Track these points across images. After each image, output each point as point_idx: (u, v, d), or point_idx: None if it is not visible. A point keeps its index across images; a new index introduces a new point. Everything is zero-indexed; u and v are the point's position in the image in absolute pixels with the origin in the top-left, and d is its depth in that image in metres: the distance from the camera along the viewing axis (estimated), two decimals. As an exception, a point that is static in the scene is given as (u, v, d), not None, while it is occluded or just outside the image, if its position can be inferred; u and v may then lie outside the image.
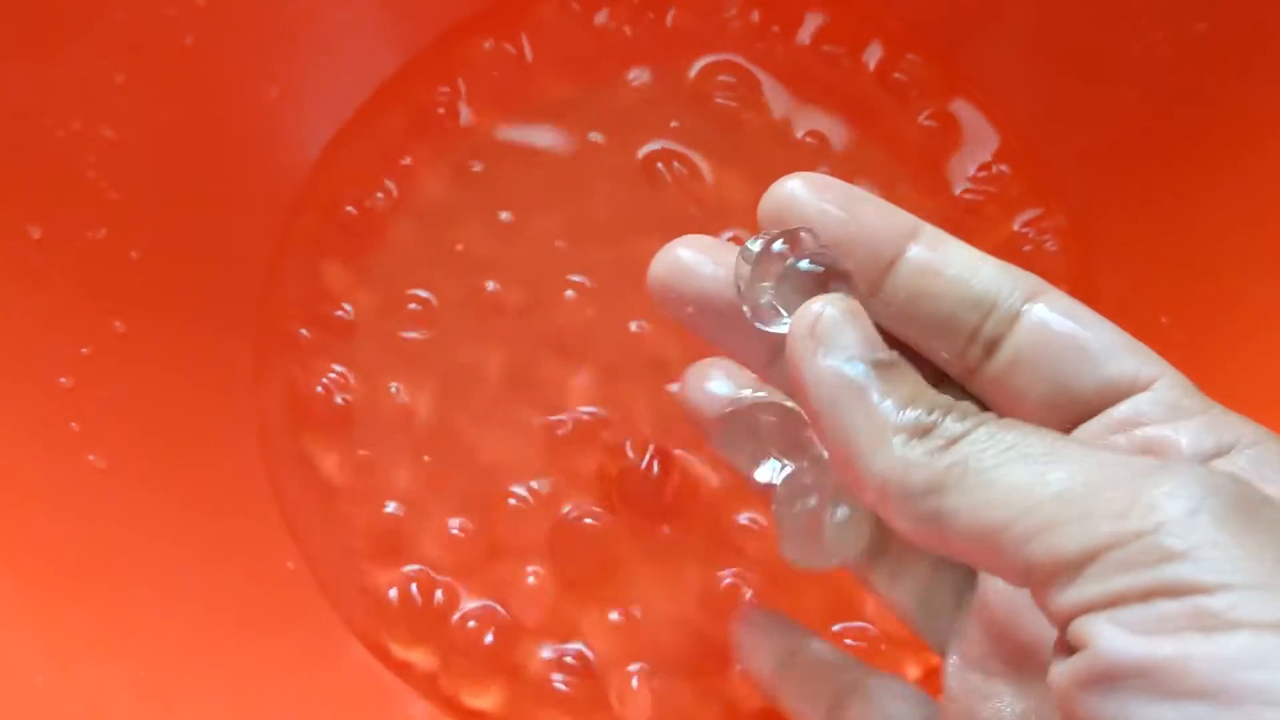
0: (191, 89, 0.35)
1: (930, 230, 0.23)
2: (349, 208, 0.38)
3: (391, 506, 0.35)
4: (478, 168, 0.38)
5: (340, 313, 0.37)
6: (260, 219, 0.37)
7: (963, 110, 0.39)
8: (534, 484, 0.35)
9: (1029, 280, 0.22)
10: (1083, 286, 0.36)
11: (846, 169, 0.38)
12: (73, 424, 0.32)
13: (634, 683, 0.33)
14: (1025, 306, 0.21)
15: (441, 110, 0.39)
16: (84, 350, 0.33)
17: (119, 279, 0.34)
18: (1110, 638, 0.16)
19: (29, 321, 0.32)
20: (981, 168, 0.38)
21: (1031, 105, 0.38)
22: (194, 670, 0.31)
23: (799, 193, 0.23)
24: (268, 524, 0.35)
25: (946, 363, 0.23)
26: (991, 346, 0.22)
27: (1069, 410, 0.21)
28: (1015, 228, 0.38)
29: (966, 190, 0.38)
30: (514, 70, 0.39)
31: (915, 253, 0.22)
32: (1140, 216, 0.36)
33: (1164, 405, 0.21)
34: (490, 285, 0.37)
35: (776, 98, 0.39)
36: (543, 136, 0.39)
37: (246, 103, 0.37)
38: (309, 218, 0.38)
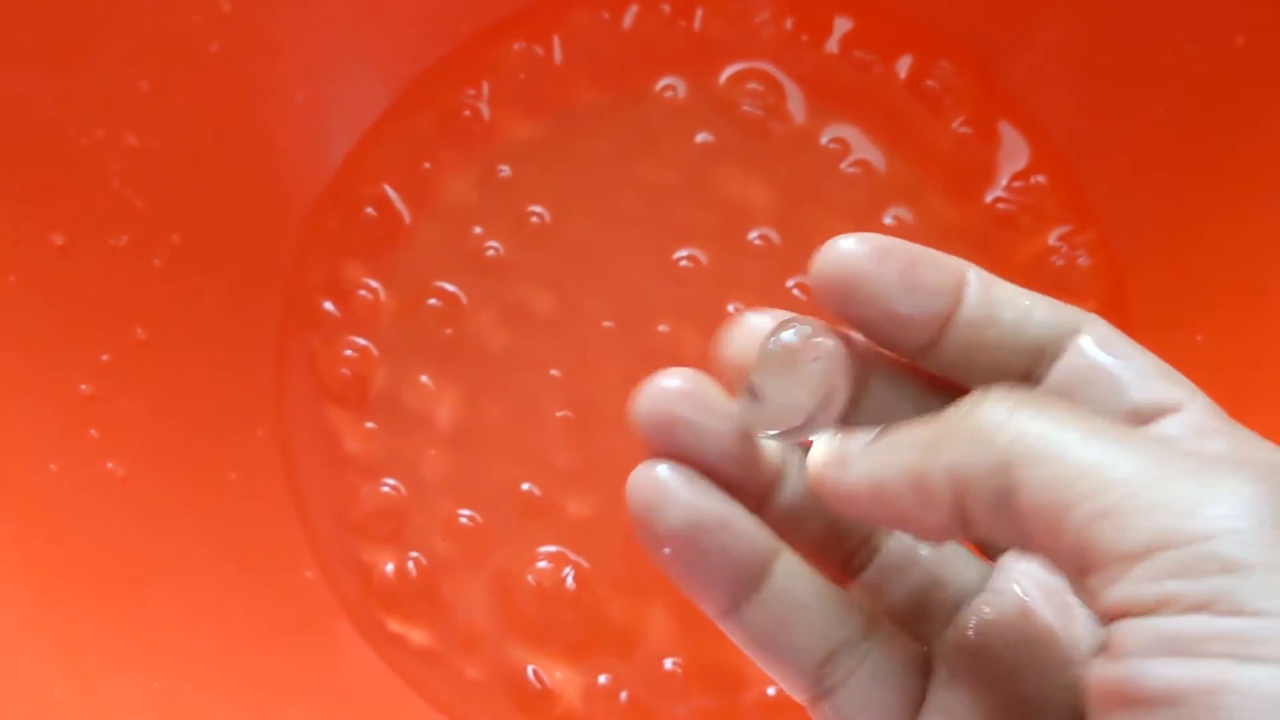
0: (216, 96, 0.35)
1: (978, 277, 0.22)
2: (370, 209, 0.38)
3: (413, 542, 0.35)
4: (505, 171, 0.38)
5: (364, 320, 0.37)
6: (283, 226, 0.37)
7: (996, 121, 0.38)
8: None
9: (1073, 315, 0.21)
10: (1115, 302, 0.36)
11: (876, 178, 0.37)
12: (92, 431, 0.32)
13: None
14: (1068, 342, 0.21)
15: (467, 113, 0.39)
16: (104, 358, 0.33)
17: (141, 286, 0.34)
18: (1147, 654, 0.15)
19: (50, 328, 0.32)
20: (1015, 178, 0.38)
21: (1065, 117, 0.38)
22: (211, 682, 0.31)
23: (855, 256, 0.21)
24: (287, 534, 0.35)
25: None
26: (1036, 382, 0.21)
27: None
28: (1049, 241, 0.37)
29: (999, 200, 0.38)
30: (543, 73, 0.39)
31: (968, 307, 0.21)
32: (1174, 232, 0.36)
33: (1190, 428, 0.20)
34: (517, 288, 0.37)
35: (803, 105, 0.38)
36: (570, 139, 0.38)
37: (271, 109, 0.37)
38: (331, 223, 0.38)
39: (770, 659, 0.22)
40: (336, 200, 0.38)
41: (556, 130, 0.39)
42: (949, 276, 0.22)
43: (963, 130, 0.38)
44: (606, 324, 0.37)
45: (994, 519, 0.18)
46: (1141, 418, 0.20)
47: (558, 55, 0.39)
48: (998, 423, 0.18)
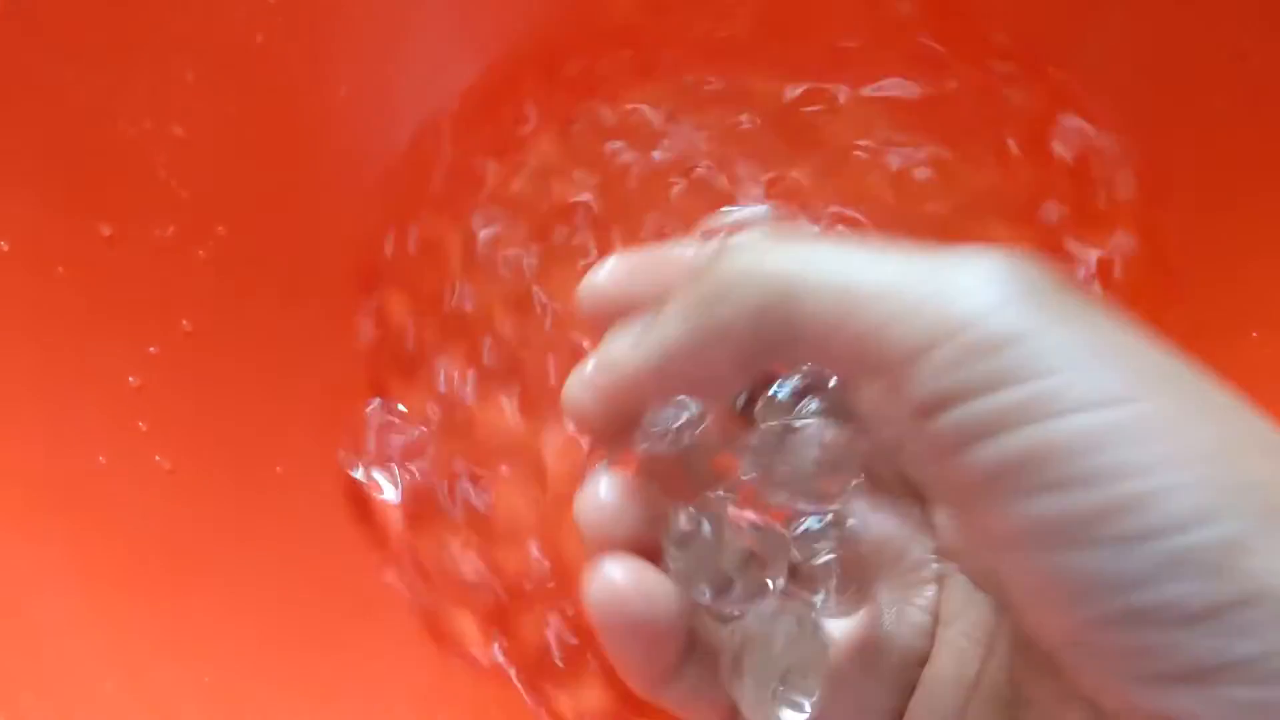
0: (261, 88, 0.35)
1: None
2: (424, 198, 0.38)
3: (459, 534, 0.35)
4: (552, 172, 0.38)
5: (411, 310, 0.37)
6: (329, 218, 0.37)
7: (1054, 126, 0.38)
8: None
9: None
10: (1169, 301, 0.35)
11: (926, 183, 0.37)
12: (141, 424, 0.32)
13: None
14: None
15: (515, 112, 0.38)
16: (152, 349, 0.33)
17: (187, 278, 0.34)
18: (962, 445, 0.17)
19: (98, 320, 0.32)
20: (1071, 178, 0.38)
21: (1124, 115, 0.37)
22: (261, 674, 0.30)
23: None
24: (334, 526, 0.35)
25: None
26: None
27: None
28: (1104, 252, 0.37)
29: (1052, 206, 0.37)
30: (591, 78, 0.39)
31: None
32: (1228, 229, 0.35)
33: None
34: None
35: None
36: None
37: (316, 101, 0.37)
38: (381, 214, 0.38)
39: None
40: (386, 190, 0.38)
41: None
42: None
43: (1017, 138, 0.38)
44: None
45: (773, 352, 0.19)
46: None
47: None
48: (759, 267, 0.19)
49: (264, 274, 0.35)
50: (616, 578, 0.21)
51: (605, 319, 0.23)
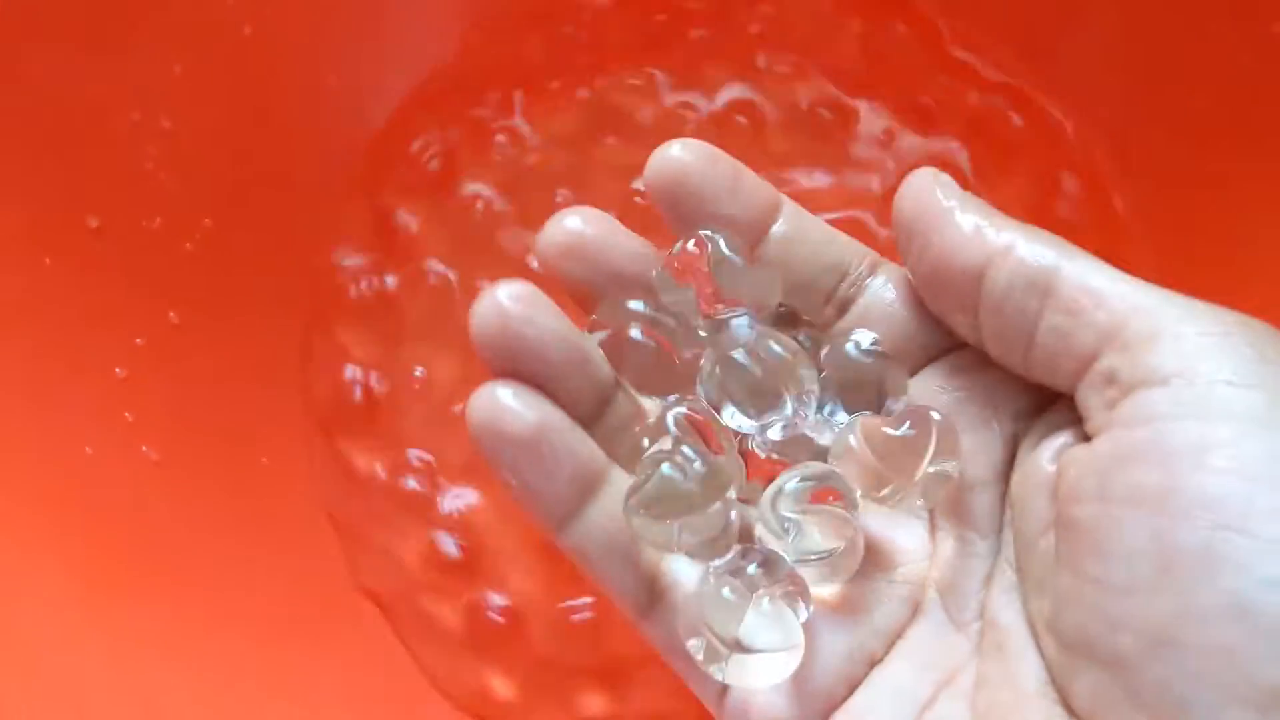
0: (249, 79, 0.35)
1: (790, 203, 0.26)
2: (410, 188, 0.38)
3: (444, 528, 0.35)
4: (533, 159, 0.38)
5: (395, 304, 0.37)
6: (315, 209, 0.37)
7: (1038, 115, 0.38)
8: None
9: (872, 254, 0.26)
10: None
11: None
12: (127, 414, 0.32)
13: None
14: (869, 279, 0.25)
15: (498, 96, 0.38)
16: (138, 341, 0.33)
17: (174, 270, 0.34)
18: (1167, 417, 0.20)
19: (85, 311, 0.32)
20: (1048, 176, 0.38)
21: (1108, 109, 0.37)
22: (244, 665, 0.31)
23: (685, 158, 0.25)
24: (318, 519, 0.35)
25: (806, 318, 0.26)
26: (843, 307, 0.25)
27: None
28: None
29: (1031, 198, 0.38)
30: (573, 58, 0.39)
31: (783, 222, 0.25)
32: (1213, 224, 0.35)
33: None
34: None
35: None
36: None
37: (304, 92, 0.37)
38: (367, 205, 0.38)
39: (602, 570, 0.24)
40: (369, 184, 0.38)
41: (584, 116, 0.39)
42: (768, 191, 0.25)
43: (1002, 126, 0.38)
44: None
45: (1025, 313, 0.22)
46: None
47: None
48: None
49: (250, 265, 0.35)
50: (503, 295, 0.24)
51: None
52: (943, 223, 0.23)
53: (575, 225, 0.25)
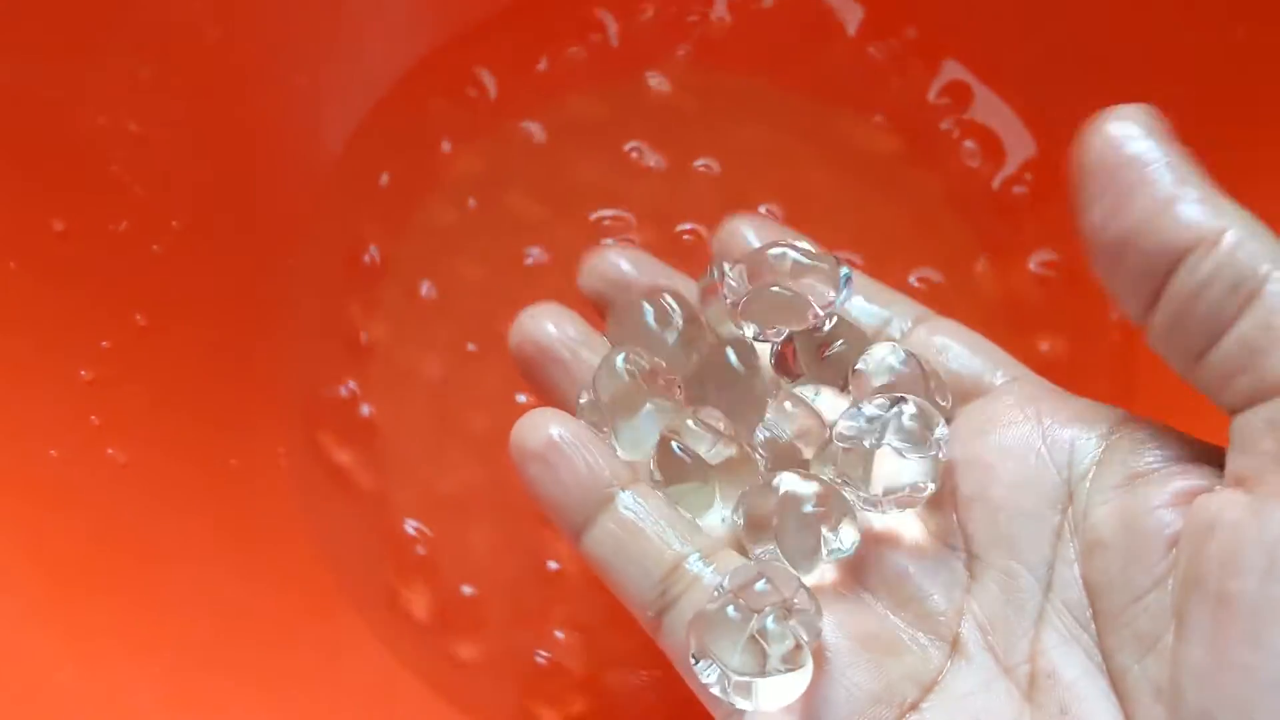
0: (216, 83, 0.35)
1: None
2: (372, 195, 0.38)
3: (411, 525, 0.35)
4: (507, 154, 0.38)
5: (366, 304, 0.37)
6: (284, 212, 0.37)
7: (990, 115, 0.38)
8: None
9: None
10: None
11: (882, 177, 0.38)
12: (93, 418, 0.32)
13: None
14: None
15: (473, 93, 0.39)
16: (104, 344, 0.33)
17: (140, 272, 0.34)
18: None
19: (50, 314, 0.32)
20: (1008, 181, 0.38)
21: (1062, 110, 0.37)
22: (215, 664, 0.31)
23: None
24: (288, 519, 0.35)
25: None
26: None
27: None
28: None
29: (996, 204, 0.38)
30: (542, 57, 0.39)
31: None
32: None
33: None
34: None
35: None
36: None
37: (272, 94, 0.37)
38: (335, 207, 0.38)
39: (615, 576, 0.24)
40: (340, 182, 0.38)
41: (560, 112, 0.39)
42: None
43: (952, 130, 0.38)
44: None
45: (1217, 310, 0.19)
46: None
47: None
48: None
49: (217, 268, 0.35)
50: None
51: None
52: (1147, 187, 0.20)
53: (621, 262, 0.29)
